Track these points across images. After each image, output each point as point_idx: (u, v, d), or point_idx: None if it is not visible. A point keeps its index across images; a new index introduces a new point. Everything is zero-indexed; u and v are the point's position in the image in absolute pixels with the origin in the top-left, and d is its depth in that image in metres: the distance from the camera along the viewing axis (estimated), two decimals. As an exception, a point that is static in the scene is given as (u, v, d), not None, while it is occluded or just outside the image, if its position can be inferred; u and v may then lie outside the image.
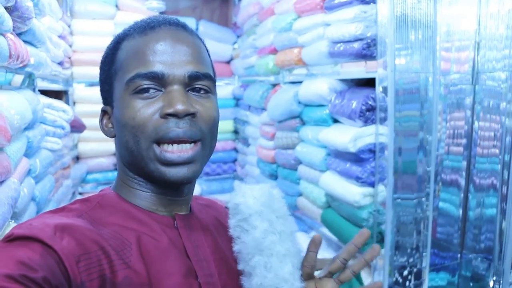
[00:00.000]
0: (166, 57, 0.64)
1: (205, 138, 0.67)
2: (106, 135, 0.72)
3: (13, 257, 0.52)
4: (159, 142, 0.64)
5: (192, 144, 0.65)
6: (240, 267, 0.66)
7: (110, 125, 0.71)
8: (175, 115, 0.63)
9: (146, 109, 0.63)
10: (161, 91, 0.65)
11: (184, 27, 0.70)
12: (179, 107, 0.62)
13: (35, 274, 0.51)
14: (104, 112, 0.73)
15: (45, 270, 0.52)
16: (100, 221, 0.64)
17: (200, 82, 0.67)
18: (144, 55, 0.64)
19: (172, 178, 0.65)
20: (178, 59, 0.65)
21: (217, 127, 0.70)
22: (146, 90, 0.64)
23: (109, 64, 0.70)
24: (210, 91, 0.68)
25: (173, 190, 0.70)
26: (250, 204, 0.65)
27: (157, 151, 0.64)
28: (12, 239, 0.55)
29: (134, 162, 0.67)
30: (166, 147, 0.64)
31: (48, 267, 0.53)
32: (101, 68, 0.73)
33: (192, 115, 0.64)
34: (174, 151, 0.64)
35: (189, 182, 0.68)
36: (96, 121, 3.09)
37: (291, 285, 0.64)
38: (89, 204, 0.66)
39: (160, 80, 0.64)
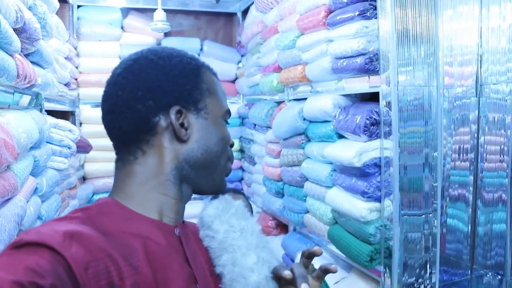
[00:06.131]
0: None
1: None
2: (179, 135, 0.71)
3: (21, 263, 0.52)
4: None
5: None
6: (216, 271, 0.70)
7: (186, 125, 0.72)
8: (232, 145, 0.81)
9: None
10: None
11: None
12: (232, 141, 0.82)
13: (43, 280, 0.51)
14: (178, 112, 0.71)
15: (54, 277, 0.52)
16: (104, 229, 0.64)
17: None
18: (223, 94, 0.80)
19: (224, 186, 0.79)
20: None
21: None
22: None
23: (196, 77, 0.74)
24: None
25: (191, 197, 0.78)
26: (211, 213, 0.74)
27: (227, 166, 0.79)
28: (20, 245, 0.55)
29: (201, 169, 0.74)
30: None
31: (56, 274, 0.53)
32: (181, 70, 0.73)
33: None
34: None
35: None
36: (102, 141, 3.05)
37: (258, 274, 0.67)
38: (91, 212, 0.67)
39: None
